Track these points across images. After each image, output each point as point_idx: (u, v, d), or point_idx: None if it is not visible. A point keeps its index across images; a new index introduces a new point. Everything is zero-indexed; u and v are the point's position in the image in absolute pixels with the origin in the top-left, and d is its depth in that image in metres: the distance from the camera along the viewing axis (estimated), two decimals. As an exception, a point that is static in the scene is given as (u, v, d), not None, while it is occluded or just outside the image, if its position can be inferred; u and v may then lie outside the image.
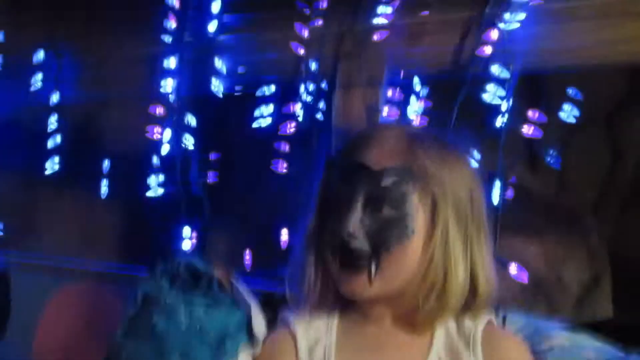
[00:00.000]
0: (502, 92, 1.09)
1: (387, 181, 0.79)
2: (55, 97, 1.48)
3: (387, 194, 0.78)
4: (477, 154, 1.09)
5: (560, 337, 0.85)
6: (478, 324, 0.82)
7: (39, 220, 1.55)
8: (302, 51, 1.22)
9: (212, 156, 1.37)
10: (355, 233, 0.78)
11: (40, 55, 1.49)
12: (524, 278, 1.06)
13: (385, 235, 0.78)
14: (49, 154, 1.47)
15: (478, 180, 0.85)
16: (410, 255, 0.79)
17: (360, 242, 0.78)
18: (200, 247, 1.29)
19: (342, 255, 0.80)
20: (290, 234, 1.23)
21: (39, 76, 1.49)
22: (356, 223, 0.78)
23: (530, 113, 1.10)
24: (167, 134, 1.33)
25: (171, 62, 1.34)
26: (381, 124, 0.91)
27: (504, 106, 1.08)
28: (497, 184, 1.08)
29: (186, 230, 1.30)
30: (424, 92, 1.25)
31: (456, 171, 0.82)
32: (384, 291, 0.80)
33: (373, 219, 0.79)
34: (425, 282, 0.79)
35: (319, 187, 0.87)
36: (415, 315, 0.82)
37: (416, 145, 0.81)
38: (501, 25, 1.06)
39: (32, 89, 1.49)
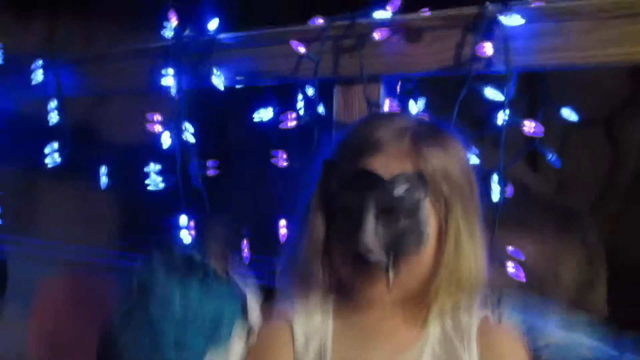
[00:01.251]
0: (502, 92, 1.09)
1: (399, 190, 0.76)
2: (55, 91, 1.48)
3: (401, 204, 0.76)
4: (476, 153, 1.09)
5: (557, 334, 0.86)
6: (473, 319, 0.82)
7: (37, 208, 1.56)
8: (302, 49, 1.22)
9: (212, 161, 1.36)
10: (371, 247, 0.76)
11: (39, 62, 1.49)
12: (521, 276, 1.06)
13: (402, 245, 0.77)
14: (50, 145, 1.48)
15: (471, 164, 0.85)
16: (425, 259, 0.79)
17: (377, 255, 0.76)
18: (198, 237, 1.29)
19: (356, 265, 0.78)
20: (289, 226, 1.23)
21: (39, 72, 1.49)
22: (371, 236, 0.76)
23: (527, 123, 1.10)
24: (166, 135, 1.33)
25: (172, 57, 1.34)
26: (375, 118, 0.86)
27: (505, 104, 1.08)
28: (497, 182, 1.08)
29: (184, 221, 1.31)
30: (421, 101, 1.25)
31: (457, 160, 0.82)
32: (400, 294, 0.81)
33: (388, 230, 0.77)
34: (438, 279, 0.79)
35: (318, 189, 0.85)
36: (420, 309, 0.82)
37: (420, 143, 0.79)
38: (502, 20, 1.05)
39: (33, 82, 1.49)
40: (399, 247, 0.77)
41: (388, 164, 0.78)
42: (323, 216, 0.83)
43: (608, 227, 1.15)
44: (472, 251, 0.80)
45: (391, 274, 0.77)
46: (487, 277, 0.83)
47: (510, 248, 1.08)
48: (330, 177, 0.82)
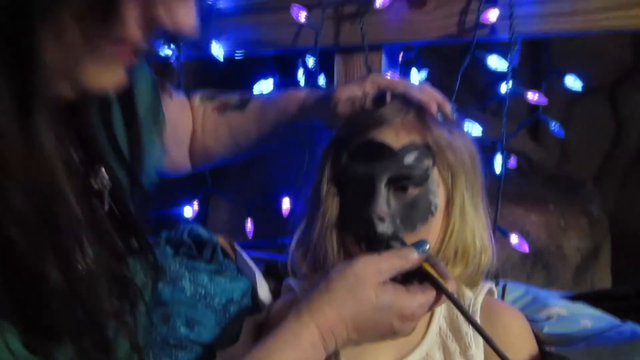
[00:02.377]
0: (506, 60, 1.07)
1: (409, 159, 0.77)
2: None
3: (410, 173, 0.77)
4: (479, 123, 1.08)
5: (559, 306, 0.87)
6: (477, 295, 0.83)
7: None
8: (302, 16, 1.19)
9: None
10: (382, 214, 0.76)
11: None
12: (525, 248, 1.07)
13: (411, 215, 0.77)
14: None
15: (474, 144, 0.85)
16: (433, 230, 0.79)
17: (387, 225, 0.77)
18: (203, 215, 1.28)
19: (367, 237, 0.78)
20: (292, 202, 1.23)
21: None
22: (383, 205, 0.77)
23: (530, 95, 1.08)
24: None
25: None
26: (380, 96, 0.87)
27: (508, 73, 1.07)
28: (500, 152, 1.07)
29: (188, 200, 1.30)
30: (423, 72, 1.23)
31: (460, 134, 0.82)
32: None
33: (398, 200, 0.78)
34: (445, 252, 0.80)
35: (327, 166, 0.84)
36: None
37: (424, 116, 0.80)
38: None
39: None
40: (407, 217, 0.77)
41: (397, 134, 0.79)
42: (335, 192, 0.83)
43: (611, 197, 1.14)
44: (476, 223, 0.81)
45: (399, 246, 0.76)
46: (492, 254, 0.83)
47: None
48: (340, 152, 0.83)
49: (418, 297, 0.67)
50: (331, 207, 0.83)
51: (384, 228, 0.76)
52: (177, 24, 0.48)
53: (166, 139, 0.82)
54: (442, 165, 0.79)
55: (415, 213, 0.78)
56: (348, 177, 0.81)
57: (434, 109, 0.79)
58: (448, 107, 0.82)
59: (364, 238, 0.78)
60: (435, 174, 0.79)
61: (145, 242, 0.61)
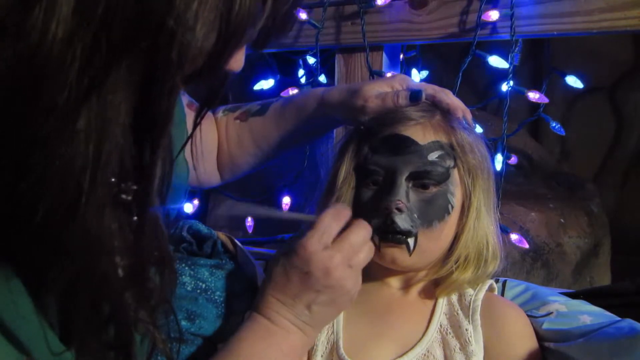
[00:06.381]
0: (507, 59, 1.08)
1: (433, 156, 0.78)
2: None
3: (433, 170, 0.78)
4: (480, 122, 1.09)
5: (558, 302, 0.86)
6: (478, 292, 0.82)
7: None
8: (303, 15, 1.20)
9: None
10: (401, 207, 0.76)
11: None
12: (525, 245, 1.07)
13: (429, 212, 0.78)
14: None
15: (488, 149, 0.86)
16: (447, 230, 0.79)
17: (405, 217, 0.77)
18: (203, 211, 1.28)
19: (383, 228, 0.78)
20: (292, 198, 1.23)
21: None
22: (403, 197, 0.77)
23: (531, 94, 1.09)
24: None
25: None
26: (416, 94, 0.88)
27: (509, 72, 1.07)
28: (500, 151, 1.08)
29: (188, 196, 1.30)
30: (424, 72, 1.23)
31: (480, 142, 0.83)
32: (421, 262, 0.81)
33: (416, 195, 0.78)
34: (458, 253, 0.79)
35: (343, 156, 0.84)
36: (432, 286, 0.82)
37: (449, 117, 0.81)
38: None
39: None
40: (426, 214, 0.77)
41: (423, 132, 0.80)
42: (352, 182, 0.83)
43: (611, 195, 1.15)
44: (488, 228, 0.81)
45: (412, 242, 0.77)
46: (500, 259, 0.82)
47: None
48: (362, 144, 0.83)
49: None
50: (345, 195, 0.83)
51: (401, 220, 0.76)
52: (232, 67, 0.54)
53: (193, 155, 0.83)
54: (463, 167, 0.80)
55: (432, 210, 0.78)
56: (369, 168, 0.81)
57: (460, 114, 0.81)
58: (470, 115, 0.83)
59: (379, 229, 0.78)
60: (455, 174, 0.80)
61: (167, 253, 0.61)
